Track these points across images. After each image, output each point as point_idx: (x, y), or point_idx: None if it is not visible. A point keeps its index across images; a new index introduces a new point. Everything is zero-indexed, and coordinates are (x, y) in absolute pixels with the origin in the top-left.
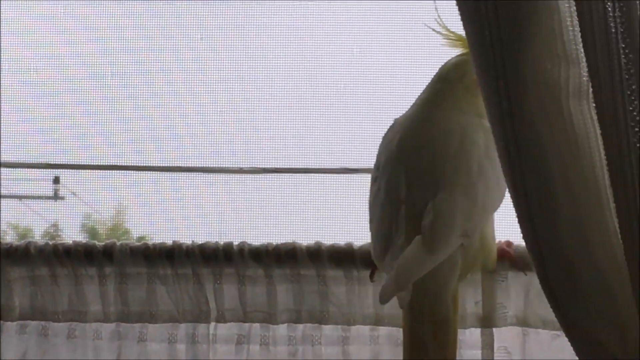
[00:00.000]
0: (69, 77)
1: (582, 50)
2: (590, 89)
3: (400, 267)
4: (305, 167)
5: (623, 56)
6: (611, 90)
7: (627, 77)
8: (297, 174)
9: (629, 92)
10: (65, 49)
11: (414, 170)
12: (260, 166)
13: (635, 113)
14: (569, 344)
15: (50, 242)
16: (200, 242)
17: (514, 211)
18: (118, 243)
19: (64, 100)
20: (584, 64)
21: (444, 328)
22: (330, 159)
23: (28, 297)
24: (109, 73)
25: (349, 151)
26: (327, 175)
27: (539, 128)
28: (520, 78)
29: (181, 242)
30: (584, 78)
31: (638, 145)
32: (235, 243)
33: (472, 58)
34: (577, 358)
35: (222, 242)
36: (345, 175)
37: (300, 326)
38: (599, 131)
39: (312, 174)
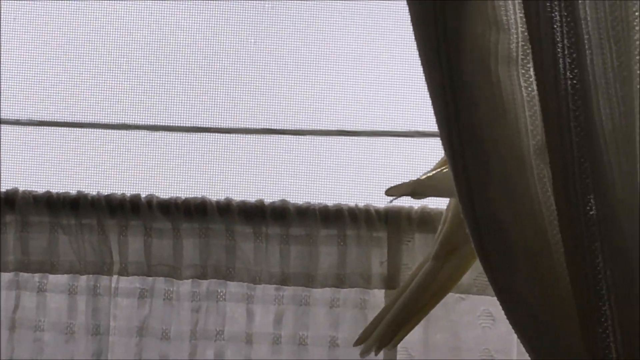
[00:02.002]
0: None
1: (512, 17)
2: (520, 56)
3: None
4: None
5: (565, 24)
6: (552, 58)
7: (568, 45)
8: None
9: (569, 60)
10: None
11: None
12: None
13: (575, 81)
14: (474, 306)
15: None
16: (106, 193)
17: (452, 175)
18: (20, 190)
19: None
20: (513, 31)
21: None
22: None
23: None
24: None
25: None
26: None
27: (474, 90)
28: (459, 38)
29: (86, 192)
30: (513, 45)
31: (577, 112)
32: (143, 195)
33: (410, 12)
34: (480, 322)
35: (129, 194)
36: (262, 135)
37: (205, 282)
38: (525, 98)
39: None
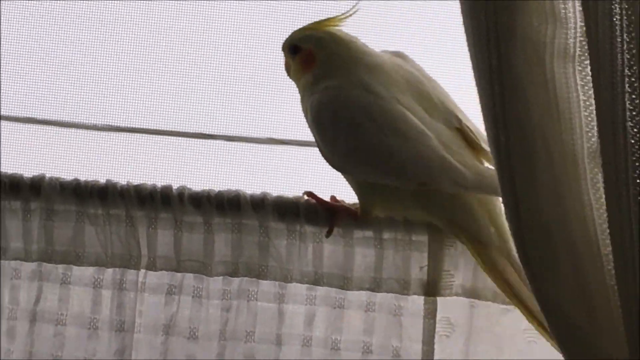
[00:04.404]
0: None
1: (571, 10)
2: (578, 52)
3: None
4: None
5: (625, 17)
6: (610, 53)
7: (627, 40)
8: None
9: (628, 56)
10: None
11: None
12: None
13: (633, 79)
14: (519, 319)
15: None
16: (136, 183)
17: (497, 174)
18: (47, 177)
19: None
20: (571, 25)
21: None
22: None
23: None
24: None
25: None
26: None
27: (525, 86)
28: (511, 32)
29: (115, 181)
30: (571, 40)
31: (634, 112)
32: (175, 186)
33: (461, 3)
34: (525, 336)
35: (159, 185)
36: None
37: (236, 280)
38: (582, 97)
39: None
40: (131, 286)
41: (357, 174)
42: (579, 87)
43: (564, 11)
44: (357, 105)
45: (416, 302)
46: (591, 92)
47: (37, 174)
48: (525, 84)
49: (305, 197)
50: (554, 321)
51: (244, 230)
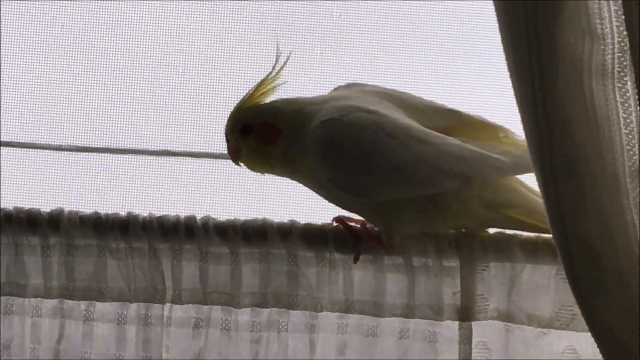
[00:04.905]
0: None
1: (608, 25)
2: (616, 68)
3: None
4: None
5: None
6: None
7: None
8: None
9: None
10: None
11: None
12: None
13: None
14: (555, 343)
15: None
16: (158, 215)
17: (542, 196)
18: (66, 211)
19: None
20: (609, 41)
21: None
22: None
23: None
24: None
25: None
26: None
27: (567, 106)
28: (552, 50)
29: (137, 213)
30: (609, 56)
31: None
32: (199, 217)
33: (499, 22)
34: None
35: (183, 216)
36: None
37: (266, 311)
38: (622, 114)
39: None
40: (157, 321)
41: (391, 194)
42: (618, 105)
43: (600, 27)
44: (367, 125)
45: (450, 327)
46: (632, 109)
47: (55, 208)
48: (566, 103)
49: (335, 224)
50: (602, 339)
51: (271, 260)
